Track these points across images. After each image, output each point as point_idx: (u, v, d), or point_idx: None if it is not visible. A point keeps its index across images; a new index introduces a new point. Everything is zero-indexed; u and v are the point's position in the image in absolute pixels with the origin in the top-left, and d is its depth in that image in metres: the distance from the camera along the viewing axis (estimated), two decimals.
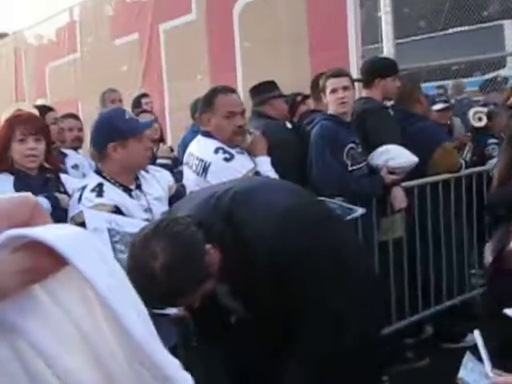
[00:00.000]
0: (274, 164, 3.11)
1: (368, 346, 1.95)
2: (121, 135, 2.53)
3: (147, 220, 2.45)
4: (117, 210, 2.46)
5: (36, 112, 3.57)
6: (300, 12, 5.31)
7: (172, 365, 0.48)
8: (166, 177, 2.81)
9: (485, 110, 5.28)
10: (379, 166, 3.58)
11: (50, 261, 0.43)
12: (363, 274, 1.98)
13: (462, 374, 1.43)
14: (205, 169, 2.90)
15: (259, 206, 1.88)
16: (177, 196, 2.73)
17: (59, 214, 2.62)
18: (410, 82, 4.47)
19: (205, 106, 3.07)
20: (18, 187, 2.74)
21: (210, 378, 2.17)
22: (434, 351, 3.82)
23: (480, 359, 1.28)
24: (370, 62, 4.23)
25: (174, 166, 4.17)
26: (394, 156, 3.56)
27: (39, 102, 7.26)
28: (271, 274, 1.79)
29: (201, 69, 6.31)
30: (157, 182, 2.71)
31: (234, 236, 1.81)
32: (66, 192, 2.83)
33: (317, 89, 3.83)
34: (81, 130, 4.43)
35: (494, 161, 4.02)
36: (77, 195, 2.55)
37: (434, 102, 4.77)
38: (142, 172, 2.68)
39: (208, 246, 1.76)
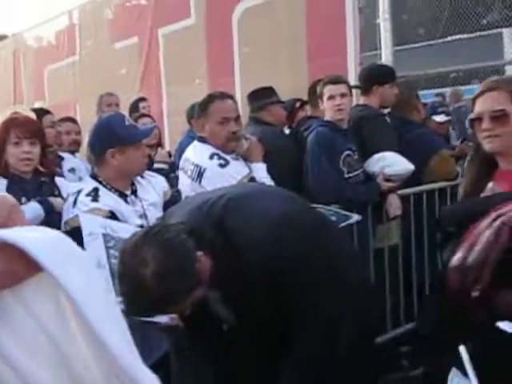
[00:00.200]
0: (270, 170, 3.11)
1: (363, 353, 1.94)
2: (120, 142, 2.53)
3: (142, 226, 2.45)
4: (112, 216, 2.46)
5: (33, 115, 3.56)
6: (299, 18, 5.32)
7: (148, 378, 0.47)
8: (161, 182, 2.81)
9: None
10: (375, 173, 3.58)
11: (22, 265, 0.41)
12: (358, 281, 1.98)
13: None
14: (200, 174, 2.89)
15: (252, 213, 1.87)
16: (172, 201, 2.72)
17: (53, 218, 2.61)
18: (407, 89, 4.48)
19: (200, 111, 3.07)
20: (12, 191, 2.72)
21: None
22: (429, 360, 3.81)
23: (466, 374, 1.27)
24: (368, 69, 4.23)
25: (171, 171, 4.16)
26: (391, 163, 3.56)
27: (37, 104, 7.26)
28: (265, 281, 1.79)
29: (199, 73, 6.31)
30: (152, 188, 2.71)
31: (225, 243, 1.80)
32: (60, 196, 2.82)
33: (314, 95, 3.83)
34: (78, 133, 4.42)
35: None
36: (71, 199, 2.54)
37: (435, 112, 4.76)
38: (138, 178, 2.68)
39: (199, 253, 1.75)
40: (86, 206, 2.46)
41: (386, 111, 4.09)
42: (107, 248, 2.29)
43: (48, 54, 8.52)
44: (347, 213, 3.18)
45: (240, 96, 5.11)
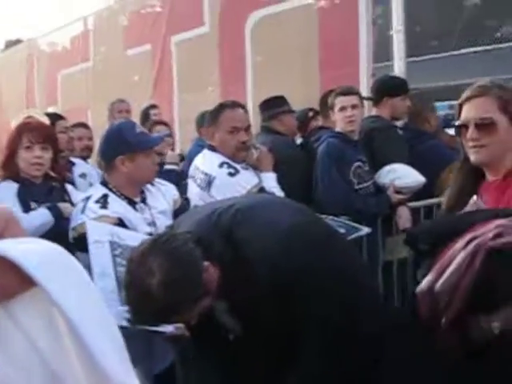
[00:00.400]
0: (280, 180, 3.10)
1: (370, 368, 1.92)
2: (130, 149, 2.53)
3: (151, 234, 2.44)
4: (120, 223, 2.45)
5: (46, 120, 3.58)
6: (311, 28, 5.32)
7: None
8: (171, 190, 2.80)
9: None
10: (386, 185, 3.56)
11: (14, 279, 0.40)
12: (367, 293, 1.96)
13: None
14: (209, 183, 2.89)
15: (261, 224, 1.86)
16: (181, 210, 2.72)
17: (62, 224, 2.62)
18: (421, 101, 4.45)
19: (210, 120, 3.08)
20: (22, 195, 2.74)
21: None
22: None
23: None
24: (380, 81, 4.22)
25: (182, 172, 4.17)
26: (401, 175, 3.54)
27: (50, 109, 7.29)
28: (273, 292, 1.78)
29: (211, 81, 6.32)
30: (162, 196, 2.71)
31: (234, 254, 1.79)
32: (70, 201, 2.83)
33: (325, 106, 3.82)
34: (90, 139, 4.44)
35: None
36: (81, 205, 2.54)
37: (448, 124, 4.72)
38: (148, 185, 2.67)
39: (206, 264, 1.74)
40: (94, 213, 2.46)
41: (398, 123, 4.06)
42: (114, 256, 2.28)
43: (62, 59, 8.57)
44: (357, 225, 3.16)
45: (252, 105, 5.11)
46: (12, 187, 2.75)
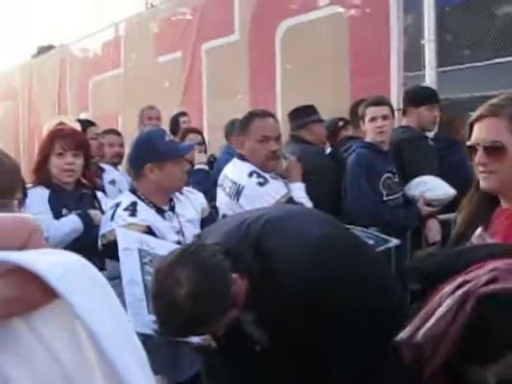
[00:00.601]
0: (308, 189, 3.09)
1: (397, 380, 1.89)
2: (159, 157, 2.54)
3: (179, 242, 2.45)
4: (149, 231, 2.46)
5: (78, 126, 3.62)
6: (342, 37, 5.31)
7: None
8: (200, 199, 2.81)
9: None
10: (415, 197, 3.53)
11: (38, 292, 0.39)
12: (395, 306, 1.93)
13: None
14: (238, 192, 2.88)
15: (290, 235, 1.86)
16: (209, 218, 2.72)
17: (92, 231, 2.64)
18: (455, 111, 4.40)
19: (240, 129, 3.07)
20: (53, 201, 2.77)
21: None
22: None
23: None
24: (409, 91, 4.20)
25: (211, 169, 4.22)
26: (431, 187, 3.50)
27: (82, 116, 7.37)
28: (301, 303, 1.76)
29: (241, 89, 6.34)
30: (190, 204, 2.71)
31: (262, 265, 1.78)
32: (100, 209, 2.84)
33: (355, 115, 3.81)
34: (121, 145, 4.46)
35: None
36: (110, 212, 2.56)
37: None
38: (176, 193, 2.68)
39: (235, 276, 1.73)
40: (123, 221, 2.47)
41: (429, 134, 4.00)
42: (142, 264, 2.29)
43: (93, 65, 8.67)
44: (386, 236, 3.13)
45: (281, 113, 5.11)
46: (43, 193, 2.78)
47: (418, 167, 3.65)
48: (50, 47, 11.74)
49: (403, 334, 1.19)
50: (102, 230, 2.54)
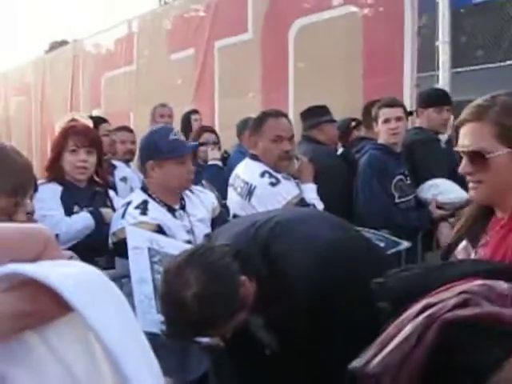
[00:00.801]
0: (319, 189, 3.08)
1: None
2: (159, 155, 2.52)
3: (189, 241, 2.44)
4: (159, 230, 2.46)
5: (90, 123, 3.62)
6: (356, 36, 5.28)
7: None
8: (210, 198, 2.80)
9: None
10: (428, 199, 3.51)
11: (51, 304, 0.38)
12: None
13: None
14: (250, 192, 2.88)
15: (300, 239, 1.84)
16: (220, 218, 2.71)
17: (103, 229, 2.64)
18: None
19: (254, 128, 3.06)
20: (65, 198, 2.77)
21: None
22: None
23: None
24: (423, 92, 4.18)
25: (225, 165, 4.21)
26: (444, 191, 3.48)
27: (95, 112, 7.38)
28: (310, 306, 1.75)
29: (253, 87, 6.33)
30: (201, 203, 2.70)
31: (270, 269, 1.77)
32: (112, 207, 2.84)
33: (368, 116, 3.78)
34: (133, 142, 4.44)
35: None
36: (121, 210, 2.56)
37: None
38: (187, 192, 2.67)
39: (243, 278, 1.72)
40: (133, 219, 2.47)
41: (443, 136, 3.96)
42: (152, 263, 2.28)
43: (106, 61, 8.68)
44: (397, 239, 3.11)
45: (293, 111, 5.10)
46: (56, 189, 2.78)
47: (430, 169, 3.63)
48: (63, 42, 11.78)
49: (357, 363, 1.11)
50: (113, 228, 2.54)
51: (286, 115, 3.14)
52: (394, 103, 3.51)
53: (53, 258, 0.42)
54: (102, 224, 2.69)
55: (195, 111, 5.56)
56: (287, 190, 2.90)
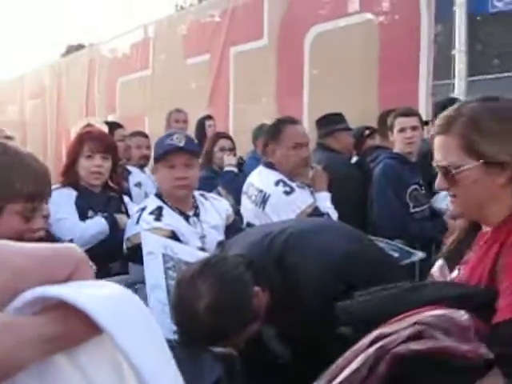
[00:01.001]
0: (334, 199, 3.07)
1: None
2: (154, 158, 2.57)
3: (202, 248, 2.44)
4: (173, 236, 2.46)
5: (106, 128, 3.63)
6: (372, 44, 5.28)
7: None
8: (225, 206, 2.79)
9: None
10: (442, 209, 3.48)
11: (81, 327, 0.38)
12: None
13: None
14: (264, 200, 2.87)
15: (314, 250, 1.83)
16: (234, 225, 2.71)
17: (117, 235, 2.64)
18: None
19: (270, 136, 3.04)
20: (80, 203, 2.78)
21: None
22: None
23: None
24: (439, 101, 4.16)
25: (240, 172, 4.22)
26: None
27: (110, 118, 7.41)
28: (323, 318, 1.74)
29: (268, 94, 6.33)
30: (215, 210, 2.69)
31: (284, 280, 1.76)
32: (127, 213, 2.85)
33: (384, 125, 3.77)
34: (148, 148, 4.41)
35: None
36: (135, 216, 2.56)
37: None
38: (202, 199, 2.67)
39: (256, 289, 1.72)
40: (148, 225, 2.47)
41: None
42: (166, 269, 2.29)
43: (122, 65, 8.72)
44: (411, 250, 3.08)
45: (308, 118, 5.10)
46: (71, 194, 2.79)
47: None
48: (80, 46, 11.85)
49: None
50: (127, 234, 2.54)
51: (299, 122, 3.15)
52: (410, 112, 3.51)
53: (84, 278, 0.42)
54: (116, 229, 2.70)
55: (209, 117, 5.56)
56: (301, 199, 2.89)
